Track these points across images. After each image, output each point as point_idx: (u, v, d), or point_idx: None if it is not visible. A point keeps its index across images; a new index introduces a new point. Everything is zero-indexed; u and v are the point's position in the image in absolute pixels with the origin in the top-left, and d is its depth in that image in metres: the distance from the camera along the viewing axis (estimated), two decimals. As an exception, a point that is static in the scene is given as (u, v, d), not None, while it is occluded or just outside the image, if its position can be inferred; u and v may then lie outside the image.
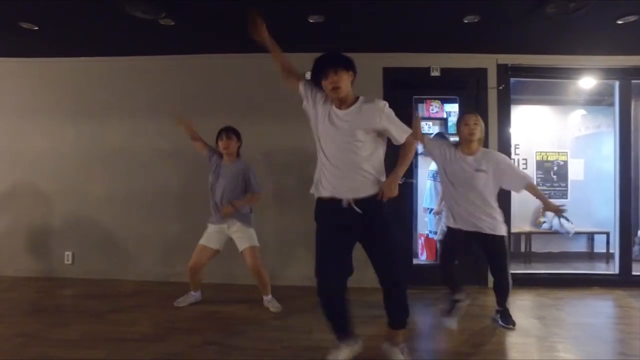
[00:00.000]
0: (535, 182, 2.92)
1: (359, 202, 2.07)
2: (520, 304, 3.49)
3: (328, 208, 2.13)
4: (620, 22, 3.07)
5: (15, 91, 4.22)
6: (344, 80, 2.09)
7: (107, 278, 4.02)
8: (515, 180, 2.83)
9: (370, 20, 3.25)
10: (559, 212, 2.81)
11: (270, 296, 3.28)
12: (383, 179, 2.14)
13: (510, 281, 2.92)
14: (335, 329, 2.21)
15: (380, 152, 2.18)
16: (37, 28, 3.37)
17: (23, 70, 4.20)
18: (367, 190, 2.09)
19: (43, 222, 4.16)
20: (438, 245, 4.84)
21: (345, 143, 2.08)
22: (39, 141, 4.19)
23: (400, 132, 2.15)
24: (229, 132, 3.23)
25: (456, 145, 2.92)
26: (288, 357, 2.35)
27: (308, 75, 2.26)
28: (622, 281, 3.94)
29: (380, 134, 2.15)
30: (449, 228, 2.96)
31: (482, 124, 2.85)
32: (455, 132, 3.04)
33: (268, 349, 2.44)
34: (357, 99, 2.17)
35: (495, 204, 2.84)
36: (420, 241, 4.95)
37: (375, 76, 3.94)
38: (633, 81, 4.01)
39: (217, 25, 3.40)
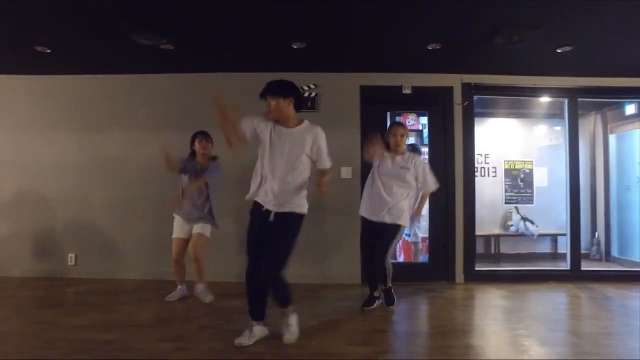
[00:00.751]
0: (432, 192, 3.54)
1: (281, 214, 2.49)
2: (483, 295, 3.94)
3: (260, 212, 2.53)
4: (559, 51, 3.61)
5: (22, 105, 4.58)
6: (280, 105, 2.50)
7: (108, 277, 4.36)
8: (424, 183, 3.39)
9: (348, 46, 3.72)
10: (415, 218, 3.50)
11: (202, 286, 3.58)
12: (304, 196, 2.55)
13: (390, 264, 3.41)
14: (251, 309, 2.62)
15: (307, 175, 2.59)
16: (50, 51, 3.76)
17: (30, 86, 4.57)
18: (291, 206, 2.50)
19: (48, 226, 4.49)
20: (414, 247, 5.29)
21: (288, 159, 2.49)
22: (45, 152, 4.54)
23: (327, 160, 2.61)
24: (206, 135, 3.62)
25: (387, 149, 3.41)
26: (273, 337, 2.69)
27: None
28: (573, 276, 4.42)
29: (311, 159, 2.55)
30: (363, 225, 3.44)
31: (407, 134, 3.43)
32: (387, 138, 3.44)
33: (257, 331, 2.82)
34: (301, 122, 2.58)
35: (413, 202, 3.39)
36: (399, 244, 5.37)
37: (353, 93, 4.41)
38: (579, 99, 4.54)
39: (212, 49, 3.83)
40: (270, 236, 2.51)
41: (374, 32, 3.38)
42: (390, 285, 3.45)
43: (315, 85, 4.42)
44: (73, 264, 4.46)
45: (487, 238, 5.86)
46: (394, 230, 3.29)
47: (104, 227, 4.49)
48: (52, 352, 2.43)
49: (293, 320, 2.59)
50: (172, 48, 3.70)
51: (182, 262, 3.65)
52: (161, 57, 3.94)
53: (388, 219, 3.27)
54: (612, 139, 5.83)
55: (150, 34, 3.35)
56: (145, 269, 4.41)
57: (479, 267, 4.55)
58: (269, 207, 2.51)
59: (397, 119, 5.48)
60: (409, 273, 4.47)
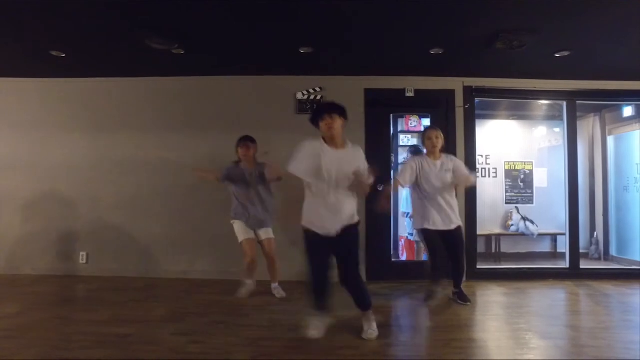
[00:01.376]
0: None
1: (346, 227, 2.68)
2: (484, 293, 4.05)
3: (319, 236, 2.66)
4: (557, 55, 3.73)
5: (35, 107, 4.69)
6: (337, 123, 2.67)
7: (119, 275, 4.46)
8: (463, 177, 3.56)
9: (353, 50, 3.83)
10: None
11: (277, 284, 3.84)
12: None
13: (465, 265, 3.61)
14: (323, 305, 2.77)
15: None
16: (64, 55, 3.87)
17: (43, 89, 4.68)
18: (350, 219, 2.71)
19: (60, 225, 4.59)
20: (416, 245, 5.40)
21: (344, 178, 2.66)
22: (57, 152, 4.65)
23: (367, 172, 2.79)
24: (246, 140, 3.73)
25: (421, 155, 3.56)
26: (285, 330, 2.84)
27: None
28: (572, 274, 4.54)
29: None
30: (426, 231, 3.51)
31: (442, 136, 3.53)
32: (421, 143, 3.66)
33: (268, 325, 2.94)
34: (345, 142, 2.76)
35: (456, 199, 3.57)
36: (401, 243, 5.48)
37: (358, 96, 4.51)
38: (578, 102, 4.66)
39: (222, 53, 3.94)
40: (341, 247, 2.69)
41: (378, 37, 3.49)
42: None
43: (320, 88, 4.54)
44: (84, 262, 4.57)
45: (488, 237, 5.95)
46: (461, 231, 3.57)
47: (114, 225, 4.59)
48: (73, 345, 2.55)
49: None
50: (182, 52, 3.81)
51: (256, 260, 3.72)
52: (171, 61, 4.05)
53: (455, 224, 3.51)
54: (610, 140, 5.94)
55: (163, 39, 3.46)
56: (155, 267, 4.52)
57: (480, 266, 4.66)
58: (337, 229, 2.65)
59: (400, 120, 5.61)
60: (412, 271, 4.57)
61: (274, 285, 3.85)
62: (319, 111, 2.73)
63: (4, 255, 4.58)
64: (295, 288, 3.93)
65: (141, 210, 4.58)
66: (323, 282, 2.71)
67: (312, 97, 4.51)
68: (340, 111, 2.72)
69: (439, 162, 3.51)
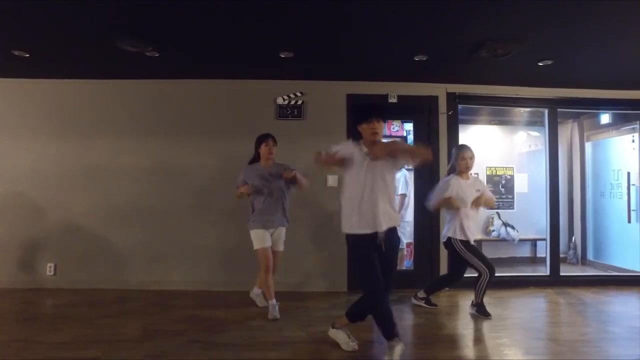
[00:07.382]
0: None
1: (389, 230, 2.55)
2: (465, 303, 3.99)
3: (372, 239, 2.50)
4: (541, 64, 3.71)
5: (-1, 110, 4.41)
6: (381, 129, 2.57)
7: (89, 287, 4.24)
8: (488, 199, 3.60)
9: (335, 56, 3.72)
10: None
11: (260, 290, 3.70)
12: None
13: None
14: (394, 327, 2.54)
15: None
16: (28, 55, 3.63)
17: (7, 89, 4.40)
18: (393, 222, 2.58)
19: (25, 235, 4.33)
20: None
21: (381, 182, 2.52)
22: (23, 158, 4.38)
23: None
24: (273, 138, 3.54)
25: (454, 173, 3.56)
26: (264, 349, 2.71)
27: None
28: (552, 281, 4.55)
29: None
30: (464, 242, 3.55)
31: (475, 156, 3.52)
32: (455, 161, 3.59)
33: (246, 344, 2.80)
34: None
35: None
36: (409, 249, 5.36)
37: (340, 101, 4.42)
38: (559, 109, 4.68)
39: (199, 56, 3.77)
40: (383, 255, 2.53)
41: (362, 43, 3.40)
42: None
43: (301, 93, 4.41)
44: (52, 273, 4.32)
45: (469, 243, 5.95)
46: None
47: (84, 235, 4.36)
48: (32, 373, 2.35)
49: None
50: (157, 55, 3.62)
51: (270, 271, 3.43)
52: (145, 63, 3.85)
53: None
54: (588, 146, 6.02)
55: (135, 41, 3.28)
56: (128, 279, 4.32)
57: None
58: (382, 229, 2.50)
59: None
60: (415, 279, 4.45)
61: (258, 292, 3.72)
62: (368, 113, 2.57)
63: (-37, 267, 4.29)
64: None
65: (114, 219, 4.36)
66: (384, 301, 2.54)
67: (292, 102, 4.39)
68: (385, 117, 2.63)
69: (470, 182, 3.54)
